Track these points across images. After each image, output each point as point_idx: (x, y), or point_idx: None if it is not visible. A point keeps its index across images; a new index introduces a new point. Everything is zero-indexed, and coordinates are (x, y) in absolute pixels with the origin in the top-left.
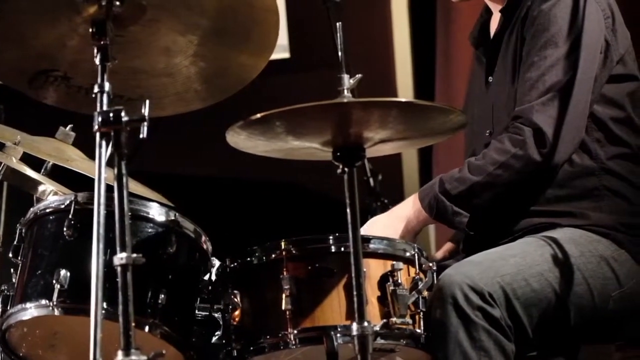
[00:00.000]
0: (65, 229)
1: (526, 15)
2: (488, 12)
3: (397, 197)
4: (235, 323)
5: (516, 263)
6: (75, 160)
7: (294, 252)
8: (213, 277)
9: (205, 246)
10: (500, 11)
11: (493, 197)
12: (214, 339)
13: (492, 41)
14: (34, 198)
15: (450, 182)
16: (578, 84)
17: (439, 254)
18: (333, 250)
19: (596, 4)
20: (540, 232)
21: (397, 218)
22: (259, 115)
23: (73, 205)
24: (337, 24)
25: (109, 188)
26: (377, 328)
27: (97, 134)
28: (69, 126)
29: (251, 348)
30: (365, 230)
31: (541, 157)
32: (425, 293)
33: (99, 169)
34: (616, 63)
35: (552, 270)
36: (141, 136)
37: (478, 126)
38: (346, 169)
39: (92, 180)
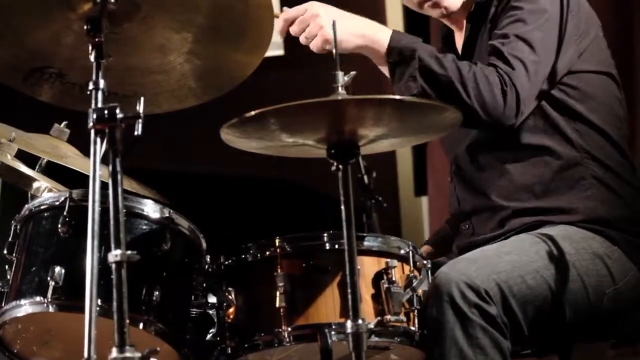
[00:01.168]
0: (59, 226)
1: (495, 13)
2: (450, 33)
3: (392, 194)
4: (229, 320)
5: (512, 260)
6: (70, 157)
7: (288, 249)
8: (208, 274)
9: (199, 243)
10: (469, 19)
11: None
12: (208, 337)
13: (464, 48)
14: (29, 195)
15: (430, 57)
16: (543, 62)
17: None
18: (327, 247)
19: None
20: (533, 230)
21: (356, 26)
22: (253, 113)
23: (68, 202)
24: (333, 20)
25: (104, 185)
26: (371, 326)
27: (92, 131)
28: (64, 123)
29: (245, 345)
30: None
31: (515, 114)
32: (420, 291)
33: (93, 166)
34: (577, 57)
35: (547, 267)
36: (136, 133)
37: (458, 134)
38: (340, 167)
39: (87, 177)
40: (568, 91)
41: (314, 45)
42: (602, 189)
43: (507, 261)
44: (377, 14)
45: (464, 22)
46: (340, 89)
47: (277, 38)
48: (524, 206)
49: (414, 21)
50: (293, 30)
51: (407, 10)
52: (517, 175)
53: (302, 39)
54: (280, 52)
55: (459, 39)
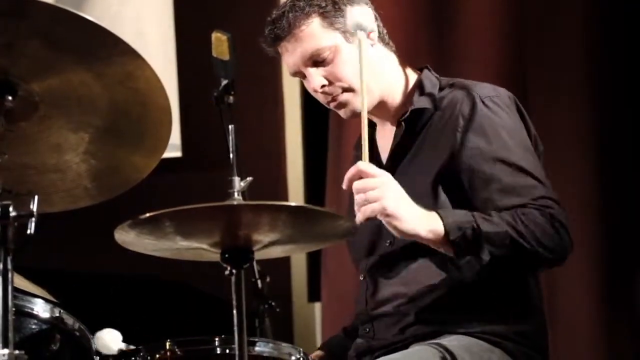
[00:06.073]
0: None
1: (435, 121)
2: (372, 126)
3: (285, 299)
4: None
5: None
6: None
7: (178, 353)
8: None
9: (89, 345)
10: (404, 120)
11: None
12: None
13: (394, 152)
14: None
15: (485, 221)
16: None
17: None
18: (218, 352)
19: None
20: (432, 339)
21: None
22: (147, 215)
23: None
24: (230, 126)
25: None
26: None
27: None
28: None
29: None
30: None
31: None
32: None
33: None
34: None
35: None
36: (29, 232)
37: (372, 237)
38: (234, 271)
39: None
40: None
41: (369, 209)
42: (504, 309)
43: None
44: (275, 111)
45: (389, 118)
46: (236, 194)
47: (174, 140)
48: (424, 316)
49: (312, 122)
50: (357, 185)
51: (305, 110)
52: (427, 288)
53: (360, 198)
54: (177, 154)
55: (382, 137)
